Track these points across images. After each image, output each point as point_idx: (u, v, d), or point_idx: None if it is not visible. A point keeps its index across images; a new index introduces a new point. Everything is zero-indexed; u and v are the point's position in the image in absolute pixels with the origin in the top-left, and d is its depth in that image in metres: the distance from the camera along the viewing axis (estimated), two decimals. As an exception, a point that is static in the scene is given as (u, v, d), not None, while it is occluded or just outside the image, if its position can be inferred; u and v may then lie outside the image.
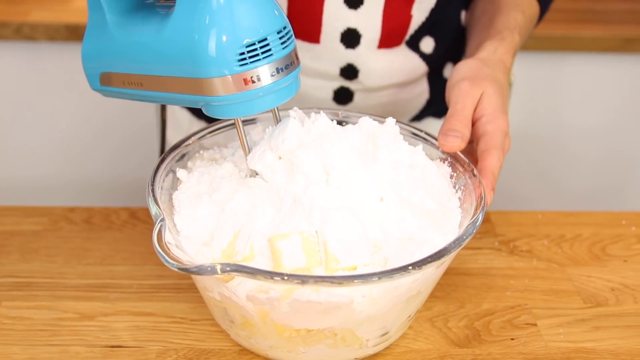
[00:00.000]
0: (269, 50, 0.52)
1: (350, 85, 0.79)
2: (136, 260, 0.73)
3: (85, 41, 0.60)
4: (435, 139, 0.67)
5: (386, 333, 0.59)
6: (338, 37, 0.75)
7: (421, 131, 0.68)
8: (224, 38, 0.51)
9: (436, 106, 0.85)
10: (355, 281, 0.50)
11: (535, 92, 1.48)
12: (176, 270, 0.51)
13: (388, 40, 0.76)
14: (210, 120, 0.88)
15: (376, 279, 0.50)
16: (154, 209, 0.56)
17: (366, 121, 0.61)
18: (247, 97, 0.53)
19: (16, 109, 1.52)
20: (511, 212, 0.83)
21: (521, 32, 0.75)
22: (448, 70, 0.85)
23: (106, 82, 0.60)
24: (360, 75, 0.78)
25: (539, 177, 1.56)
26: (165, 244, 0.52)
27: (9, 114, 1.52)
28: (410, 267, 0.51)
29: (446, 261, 0.56)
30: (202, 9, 0.51)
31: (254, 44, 0.52)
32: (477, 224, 0.56)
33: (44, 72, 1.48)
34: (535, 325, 0.66)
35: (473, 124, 0.66)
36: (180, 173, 0.64)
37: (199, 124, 0.89)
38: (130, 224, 0.79)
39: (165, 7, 0.56)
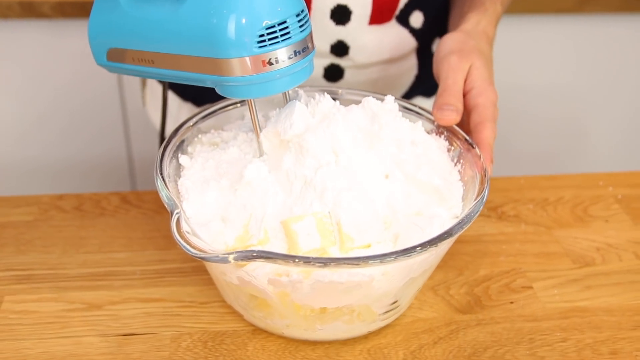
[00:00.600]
0: (288, 32, 0.53)
1: (341, 62, 0.79)
2: (135, 246, 0.73)
3: (93, 15, 0.59)
4: (428, 113, 0.68)
5: (398, 307, 0.61)
6: (328, 13, 0.75)
7: (415, 106, 0.70)
8: (245, 19, 0.51)
9: (425, 82, 0.87)
10: (370, 262, 0.51)
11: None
12: (199, 259, 0.51)
13: (379, 15, 0.76)
14: (198, 103, 0.87)
15: (392, 258, 0.52)
16: (167, 199, 0.56)
17: (370, 101, 0.62)
18: (264, 78, 0.53)
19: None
20: (495, 178, 0.86)
21: (503, 1, 0.76)
22: (436, 46, 0.86)
23: (114, 58, 0.59)
24: (351, 52, 0.78)
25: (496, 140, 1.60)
26: (184, 233, 0.53)
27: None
28: (424, 246, 0.52)
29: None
30: None
31: (273, 26, 0.52)
32: (484, 199, 0.58)
33: (-2, 51, 1.43)
34: (531, 287, 0.69)
35: (463, 96, 0.67)
36: (183, 159, 0.63)
37: (187, 107, 0.88)
38: (123, 210, 0.79)
39: None
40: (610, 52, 1.53)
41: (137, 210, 0.79)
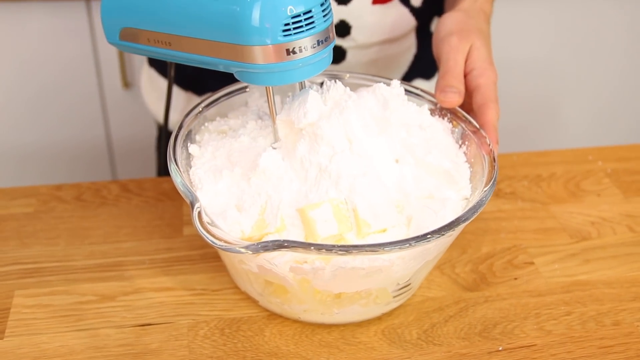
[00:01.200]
0: (313, 22, 0.52)
1: (343, 43, 0.80)
2: (140, 235, 0.73)
3: None
4: (429, 95, 0.69)
5: (410, 288, 0.63)
6: None
7: (417, 88, 0.70)
8: (271, 7, 0.50)
9: (423, 62, 0.87)
10: (390, 248, 0.52)
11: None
12: (224, 250, 0.52)
13: None
14: (199, 92, 0.87)
15: (412, 243, 0.52)
16: (183, 187, 0.56)
17: (381, 87, 0.62)
18: (286, 67, 0.53)
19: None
20: (488, 156, 0.88)
21: None
22: (435, 25, 0.87)
23: (127, 37, 0.58)
24: (353, 32, 0.79)
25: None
26: (207, 225, 0.53)
27: None
28: (442, 230, 0.53)
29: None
30: None
31: (299, 15, 0.52)
32: (495, 181, 0.59)
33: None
34: (533, 263, 0.71)
35: (464, 77, 0.68)
36: (192, 148, 0.63)
37: (186, 96, 0.87)
38: (124, 198, 0.78)
39: None
40: (590, 27, 1.55)
41: (139, 198, 0.78)
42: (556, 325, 0.64)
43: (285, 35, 0.52)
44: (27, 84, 1.42)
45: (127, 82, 1.41)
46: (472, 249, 0.73)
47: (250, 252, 0.51)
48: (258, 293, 0.62)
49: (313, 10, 0.52)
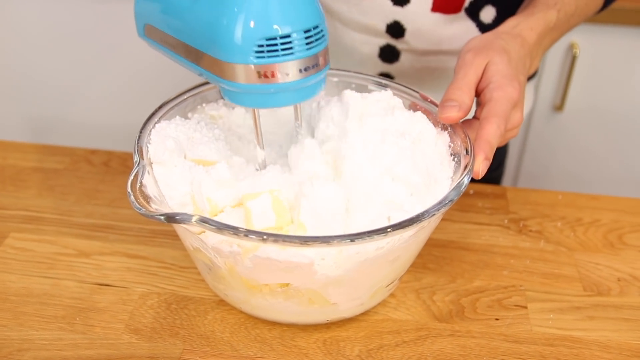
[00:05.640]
0: (290, 48, 0.50)
1: (397, 44, 0.78)
2: (143, 205, 0.75)
3: None
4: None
5: (360, 302, 0.58)
6: None
7: (427, 99, 0.66)
8: (246, 26, 0.49)
9: None
10: (292, 241, 0.48)
11: (602, 68, 1.39)
12: (144, 215, 0.52)
13: (443, 4, 0.73)
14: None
15: (310, 242, 0.49)
16: (135, 156, 0.57)
17: (346, 94, 0.60)
18: (261, 90, 0.51)
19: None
20: (530, 190, 0.80)
21: (564, 8, 0.70)
22: None
23: (148, 33, 0.60)
24: (407, 35, 0.76)
25: (599, 159, 1.48)
26: (142, 189, 0.54)
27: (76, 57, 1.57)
28: (355, 237, 0.49)
29: (417, 232, 0.55)
30: None
31: (275, 38, 0.49)
32: (448, 201, 0.53)
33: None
34: (525, 307, 0.64)
35: (480, 93, 0.63)
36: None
37: None
38: (144, 170, 0.81)
39: None
40: None
41: (158, 172, 0.81)
42: (519, 377, 0.57)
43: (258, 57, 0.50)
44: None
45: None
46: (463, 280, 0.67)
47: (162, 220, 0.51)
48: (205, 276, 0.62)
49: (293, 35, 0.49)
